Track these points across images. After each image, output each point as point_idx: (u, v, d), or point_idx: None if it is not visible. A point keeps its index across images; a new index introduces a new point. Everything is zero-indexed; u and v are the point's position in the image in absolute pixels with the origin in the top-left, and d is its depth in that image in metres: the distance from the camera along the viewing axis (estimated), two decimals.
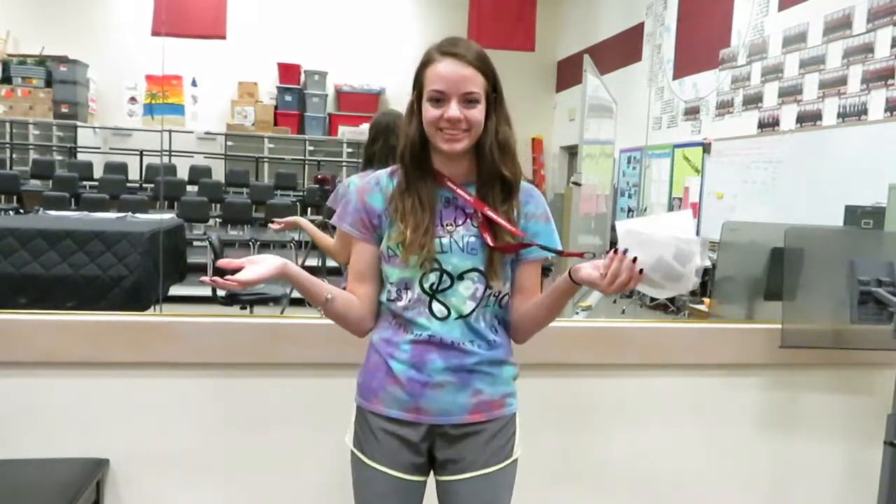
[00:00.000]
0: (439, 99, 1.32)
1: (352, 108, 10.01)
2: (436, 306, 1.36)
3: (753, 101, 6.43)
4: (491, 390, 1.40)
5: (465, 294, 1.37)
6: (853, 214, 4.35)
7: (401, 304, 1.38)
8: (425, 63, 1.35)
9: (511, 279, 1.43)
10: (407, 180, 1.39)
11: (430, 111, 1.32)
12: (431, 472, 1.44)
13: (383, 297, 1.41)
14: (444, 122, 1.31)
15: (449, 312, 1.36)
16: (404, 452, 1.39)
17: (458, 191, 1.38)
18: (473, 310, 1.37)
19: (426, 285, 1.36)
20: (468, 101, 1.32)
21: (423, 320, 1.36)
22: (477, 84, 1.33)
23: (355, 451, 1.43)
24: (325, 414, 1.89)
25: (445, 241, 1.37)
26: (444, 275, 1.36)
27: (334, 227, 2.17)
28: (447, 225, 1.38)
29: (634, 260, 1.21)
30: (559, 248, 1.44)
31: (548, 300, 1.40)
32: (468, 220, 1.38)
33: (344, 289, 1.44)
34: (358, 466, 1.43)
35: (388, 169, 1.45)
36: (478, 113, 1.33)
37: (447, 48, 1.34)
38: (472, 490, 1.39)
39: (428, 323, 1.36)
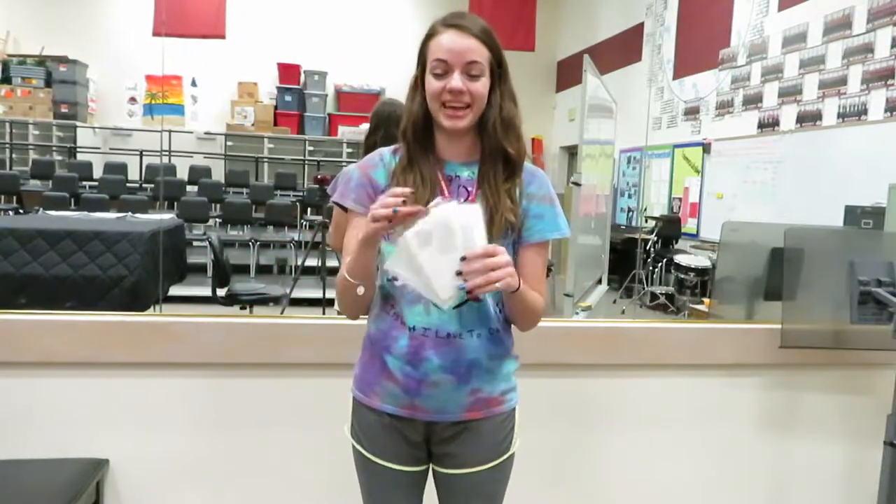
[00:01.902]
0: (442, 71, 1.29)
1: (352, 108, 10.01)
2: None
3: (753, 101, 6.43)
4: (490, 388, 1.37)
5: None
6: (853, 214, 4.36)
7: (398, 283, 1.33)
8: (429, 36, 1.33)
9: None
10: (409, 157, 1.36)
11: (432, 83, 1.30)
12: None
13: (384, 277, 1.37)
14: (446, 94, 1.29)
15: None
16: (404, 447, 1.39)
17: (443, 184, 1.35)
18: None
19: None
20: (471, 73, 1.29)
21: (420, 308, 1.32)
22: (481, 56, 1.30)
23: (355, 444, 1.43)
24: (325, 414, 1.89)
25: None
26: None
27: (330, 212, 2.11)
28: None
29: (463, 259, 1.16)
30: (565, 232, 1.41)
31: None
32: (470, 198, 1.35)
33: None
34: (360, 460, 1.43)
35: (391, 147, 1.43)
36: (481, 87, 1.30)
37: (451, 20, 1.32)
38: (469, 484, 1.39)
39: (425, 313, 1.33)
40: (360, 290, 1.31)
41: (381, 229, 1.20)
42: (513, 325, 1.43)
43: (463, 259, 1.16)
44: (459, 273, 1.16)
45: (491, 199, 1.34)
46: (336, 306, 1.44)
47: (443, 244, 1.16)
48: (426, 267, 1.18)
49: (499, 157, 1.35)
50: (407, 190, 1.20)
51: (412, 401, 1.35)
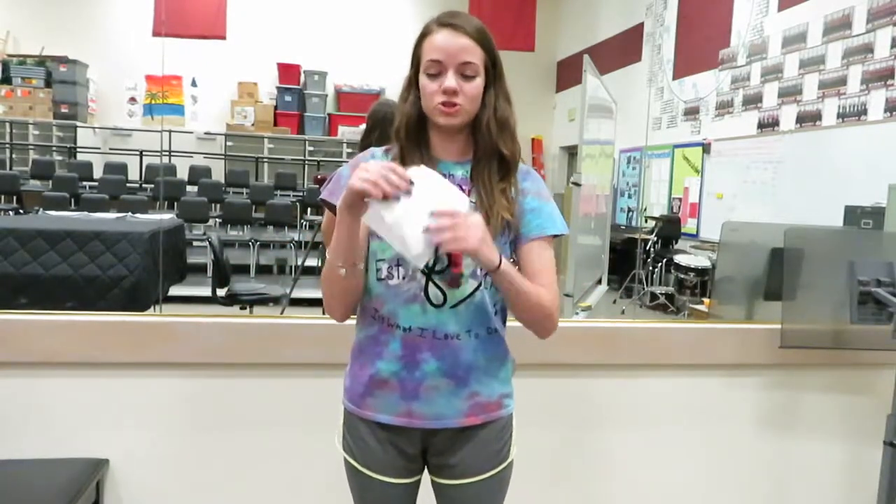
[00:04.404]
0: (436, 71, 1.28)
1: (351, 108, 9.99)
2: (432, 290, 1.29)
3: (753, 101, 6.43)
4: (488, 391, 1.34)
5: (466, 272, 1.29)
6: (853, 214, 4.36)
7: (392, 282, 1.30)
8: (423, 35, 1.31)
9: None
10: (402, 156, 1.34)
11: (428, 85, 1.28)
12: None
13: (372, 279, 1.32)
14: (440, 94, 1.27)
15: (445, 299, 1.29)
16: (398, 460, 1.35)
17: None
18: (477, 289, 1.31)
19: None
20: (466, 73, 1.27)
21: (416, 308, 1.29)
22: (475, 55, 1.28)
23: (348, 457, 1.39)
24: (324, 414, 1.88)
25: None
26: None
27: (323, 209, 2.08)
28: None
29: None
30: (563, 229, 1.39)
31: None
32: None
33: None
34: (352, 473, 1.40)
35: (383, 147, 1.41)
36: (475, 87, 1.29)
37: (445, 19, 1.30)
38: (469, 494, 1.37)
39: (421, 312, 1.29)
40: (342, 272, 1.26)
41: (364, 194, 1.14)
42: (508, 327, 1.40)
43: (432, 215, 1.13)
44: (427, 230, 1.13)
45: (486, 199, 1.32)
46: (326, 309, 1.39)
47: (422, 196, 1.14)
48: (402, 216, 1.14)
49: (493, 157, 1.34)
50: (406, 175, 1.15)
51: (409, 407, 1.31)
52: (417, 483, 1.42)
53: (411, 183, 1.15)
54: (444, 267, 1.28)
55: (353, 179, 1.15)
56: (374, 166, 1.15)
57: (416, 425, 1.33)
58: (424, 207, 1.14)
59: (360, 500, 1.42)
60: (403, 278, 1.30)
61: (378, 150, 1.41)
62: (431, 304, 1.30)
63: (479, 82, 1.30)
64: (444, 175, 1.34)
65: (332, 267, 1.27)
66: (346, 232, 1.23)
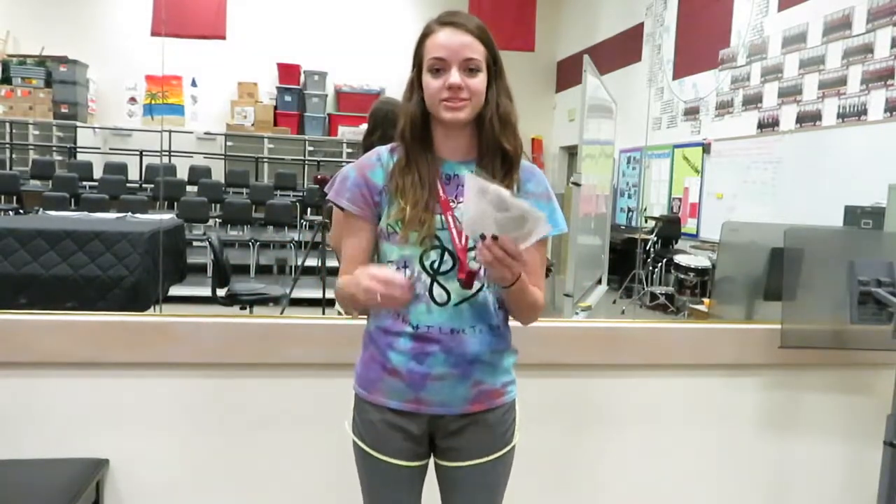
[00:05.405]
0: (440, 68, 1.30)
1: (351, 108, 9.99)
2: (436, 290, 1.34)
3: (753, 101, 6.43)
4: (491, 380, 1.40)
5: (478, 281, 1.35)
6: (853, 214, 4.37)
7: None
8: (424, 35, 1.34)
9: None
10: (407, 157, 1.37)
11: (431, 83, 1.31)
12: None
13: None
14: (445, 91, 1.30)
15: (449, 298, 1.34)
16: (406, 443, 1.39)
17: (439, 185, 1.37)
18: (480, 289, 1.36)
19: (427, 263, 1.34)
20: (469, 69, 1.30)
21: (422, 307, 1.34)
22: (477, 52, 1.31)
23: (357, 440, 1.43)
24: (325, 414, 1.89)
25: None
26: (446, 253, 1.34)
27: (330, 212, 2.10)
28: (448, 202, 1.36)
29: (494, 238, 1.19)
30: (563, 228, 1.43)
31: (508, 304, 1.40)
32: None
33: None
34: (361, 455, 1.43)
35: (388, 146, 1.43)
36: (479, 82, 1.32)
37: (446, 18, 1.33)
38: (472, 476, 1.41)
39: (427, 311, 1.34)
40: (355, 313, 1.38)
41: (371, 301, 1.25)
42: (511, 321, 1.45)
43: (495, 239, 1.18)
44: (483, 238, 1.19)
45: None
46: (337, 306, 1.44)
47: (510, 222, 1.18)
48: (486, 220, 1.19)
49: (496, 153, 1.37)
50: (406, 282, 1.25)
51: (416, 395, 1.36)
52: (424, 468, 1.45)
53: (506, 209, 1.17)
54: (448, 269, 1.34)
55: (364, 294, 1.24)
56: (399, 288, 1.23)
57: (424, 411, 1.37)
58: (501, 226, 1.18)
59: (368, 483, 1.45)
60: (409, 279, 1.33)
61: (384, 150, 1.43)
62: (436, 303, 1.34)
63: (482, 77, 1.33)
64: (451, 176, 1.38)
65: (347, 308, 1.39)
66: (357, 305, 1.36)
